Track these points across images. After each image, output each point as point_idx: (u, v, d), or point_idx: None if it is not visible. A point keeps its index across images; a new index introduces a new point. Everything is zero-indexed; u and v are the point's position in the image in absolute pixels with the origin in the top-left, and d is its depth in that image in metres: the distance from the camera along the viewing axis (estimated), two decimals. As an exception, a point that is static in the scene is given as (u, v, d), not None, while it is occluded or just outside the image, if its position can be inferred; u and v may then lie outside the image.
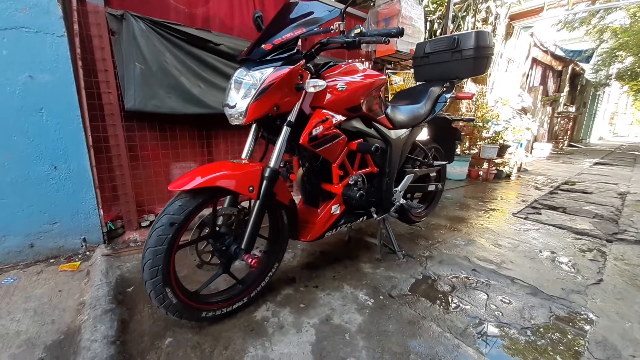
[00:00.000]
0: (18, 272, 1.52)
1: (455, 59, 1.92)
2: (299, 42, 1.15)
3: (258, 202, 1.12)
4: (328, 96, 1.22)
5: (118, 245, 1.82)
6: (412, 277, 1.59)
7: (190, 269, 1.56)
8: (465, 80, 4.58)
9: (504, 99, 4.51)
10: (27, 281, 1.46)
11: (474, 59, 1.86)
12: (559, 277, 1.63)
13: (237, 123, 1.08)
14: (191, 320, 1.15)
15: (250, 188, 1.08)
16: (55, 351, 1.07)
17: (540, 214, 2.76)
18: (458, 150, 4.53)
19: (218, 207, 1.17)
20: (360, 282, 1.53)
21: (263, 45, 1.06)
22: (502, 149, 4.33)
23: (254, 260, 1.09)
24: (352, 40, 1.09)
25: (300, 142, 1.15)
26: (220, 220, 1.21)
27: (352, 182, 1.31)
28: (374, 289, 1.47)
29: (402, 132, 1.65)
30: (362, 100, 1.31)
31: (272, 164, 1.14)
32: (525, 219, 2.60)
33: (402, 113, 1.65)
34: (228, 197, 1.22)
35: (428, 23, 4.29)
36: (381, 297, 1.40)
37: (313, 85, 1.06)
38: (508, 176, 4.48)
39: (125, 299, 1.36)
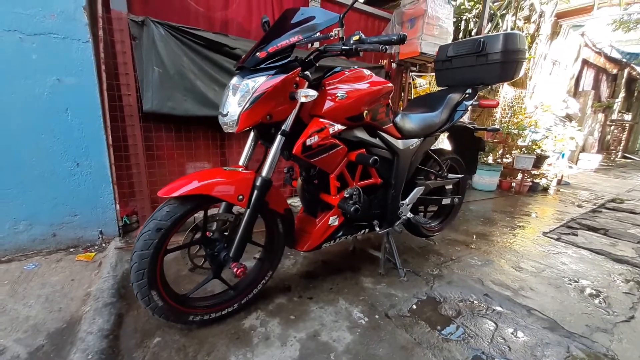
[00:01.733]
0: (40, 259, 1.65)
1: (480, 64, 1.77)
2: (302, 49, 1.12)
3: (248, 211, 1.11)
4: (327, 104, 1.18)
5: (132, 239, 1.92)
6: (415, 297, 1.49)
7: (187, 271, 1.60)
8: (501, 84, 4.27)
9: (546, 105, 4.13)
10: (47, 268, 1.59)
11: (502, 64, 1.71)
12: (585, 311, 1.44)
13: (230, 131, 1.07)
14: (178, 323, 1.17)
15: (240, 197, 1.07)
16: (56, 339, 1.14)
17: (576, 235, 2.48)
18: (490, 159, 4.24)
19: (213, 213, 1.18)
20: (357, 297, 1.47)
21: (258, 53, 1.04)
22: (540, 160, 3.98)
23: (239, 270, 1.08)
24: (349, 48, 1.04)
25: (293, 152, 1.12)
26: (214, 226, 1.22)
27: (348, 195, 1.25)
28: (370, 307, 1.40)
29: (413, 142, 1.55)
30: (364, 109, 1.25)
31: (264, 174, 1.12)
32: (557, 239, 2.35)
33: (412, 122, 1.55)
34: (223, 203, 1.23)
35: (463, 22, 4.05)
36: (376, 317, 1.33)
37: (304, 95, 1.02)
38: (545, 189, 4.11)
39: (127, 293, 1.41)
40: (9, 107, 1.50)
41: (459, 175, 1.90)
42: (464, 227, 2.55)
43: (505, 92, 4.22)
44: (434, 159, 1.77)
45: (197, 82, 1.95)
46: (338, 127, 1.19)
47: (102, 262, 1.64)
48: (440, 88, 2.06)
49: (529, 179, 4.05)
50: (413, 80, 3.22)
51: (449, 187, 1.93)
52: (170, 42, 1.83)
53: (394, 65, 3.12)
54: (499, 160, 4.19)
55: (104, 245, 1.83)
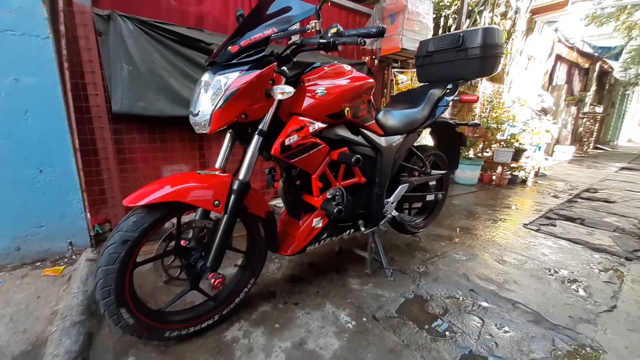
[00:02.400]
0: (3, 275, 1.52)
1: (460, 59, 1.77)
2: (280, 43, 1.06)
3: (225, 217, 1.05)
4: (306, 101, 1.13)
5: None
6: (402, 297, 1.47)
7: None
8: (480, 79, 4.34)
9: (522, 99, 4.24)
10: (11, 285, 1.46)
11: (481, 59, 1.71)
12: (568, 302, 1.47)
13: (203, 132, 1.00)
14: (153, 340, 1.09)
15: (216, 202, 1.01)
16: (19, 364, 1.05)
17: (554, 225, 2.55)
18: (471, 154, 4.31)
19: (190, 220, 1.11)
20: (344, 299, 1.43)
21: (230, 47, 0.97)
22: (518, 153, 4.08)
23: (217, 281, 1.02)
24: (327, 41, 0.99)
25: (272, 153, 1.06)
26: (190, 233, 1.14)
27: (330, 196, 1.21)
28: (357, 309, 1.37)
29: (396, 139, 1.53)
30: (345, 106, 1.20)
31: (241, 176, 1.06)
32: (536, 231, 2.41)
33: (395, 118, 1.52)
34: (200, 209, 1.16)
35: (442, 19, 4.09)
36: (364, 319, 1.30)
37: (280, 91, 0.96)
38: (524, 181, 4.22)
39: (97, 310, 1.31)
40: (-42, 110, 1.36)
41: (442, 171, 1.90)
42: (448, 221, 2.57)
43: (484, 87, 4.31)
44: (417, 155, 1.75)
45: (171, 80, 1.85)
46: (318, 125, 1.14)
47: (72, 276, 1.53)
48: (421, 84, 2.05)
49: (508, 172, 4.16)
50: (395, 76, 3.22)
51: (433, 183, 1.93)
52: (140, 38, 1.72)
53: (376, 61, 3.11)
54: (480, 155, 4.27)
55: (74, 257, 1.71)
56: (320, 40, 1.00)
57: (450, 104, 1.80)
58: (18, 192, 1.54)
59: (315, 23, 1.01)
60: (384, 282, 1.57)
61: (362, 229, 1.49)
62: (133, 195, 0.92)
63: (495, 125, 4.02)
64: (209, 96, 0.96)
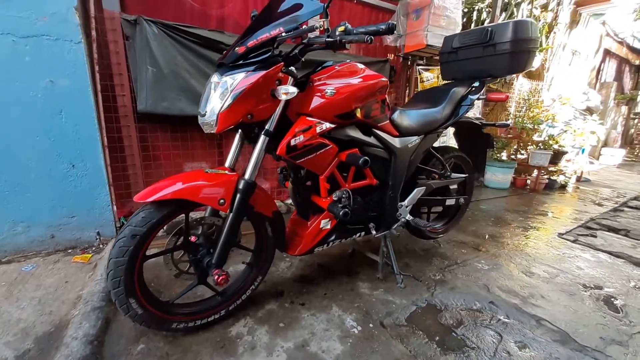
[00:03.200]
0: (38, 260, 1.67)
1: (488, 55, 1.66)
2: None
3: (230, 215, 1.06)
4: (315, 101, 1.11)
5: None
6: (414, 305, 1.41)
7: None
8: (515, 76, 4.06)
9: (564, 97, 3.89)
10: (43, 269, 1.60)
11: (511, 54, 1.58)
12: (600, 321, 1.32)
13: (210, 131, 1.02)
14: (161, 330, 1.14)
15: (221, 201, 1.02)
16: (43, 343, 1.13)
17: (594, 236, 2.32)
18: (505, 155, 4.04)
19: (200, 216, 1.14)
20: (352, 303, 1.40)
21: (237, 48, 0.98)
22: (557, 156, 3.76)
23: (221, 278, 1.04)
24: (333, 40, 0.96)
25: (277, 153, 1.06)
26: (200, 230, 1.17)
27: (336, 198, 1.18)
28: (365, 314, 1.33)
29: (412, 140, 1.46)
30: (355, 106, 1.17)
31: (247, 176, 1.06)
32: (573, 241, 2.20)
33: (411, 118, 1.46)
34: (209, 206, 1.18)
35: (475, 13, 3.87)
36: (371, 325, 1.26)
37: (284, 92, 0.95)
38: (563, 187, 3.89)
39: (117, 297, 1.40)
40: (4, 109, 1.51)
41: (463, 175, 1.79)
42: (472, 227, 2.42)
43: (521, 84, 4.01)
44: (437, 157, 1.66)
45: (192, 81, 1.91)
46: (326, 125, 1.12)
47: (97, 264, 1.64)
48: (445, 82, 1.95)
49: (545, 176, 3.85)
50: (420, 74, 3.09)
51: (454, 187, 1.82)
52: (164, 41, 1.80)
53: (400, 58, 3.01)
54: (513, 157, 3.99)
55: (101, 246, 1.83)
56: (327, 39, 0.97)
57: (481, 103, 1.69)
58: (53, 184, 1.67)
59: (323, 22, 0.98)
60: (395, 288, 1.52)
61: (373, 232, 1.44)
62: (143, 192, 0.96)
63: (531, 126, 3.74)
64: (216, 96, 0.97)
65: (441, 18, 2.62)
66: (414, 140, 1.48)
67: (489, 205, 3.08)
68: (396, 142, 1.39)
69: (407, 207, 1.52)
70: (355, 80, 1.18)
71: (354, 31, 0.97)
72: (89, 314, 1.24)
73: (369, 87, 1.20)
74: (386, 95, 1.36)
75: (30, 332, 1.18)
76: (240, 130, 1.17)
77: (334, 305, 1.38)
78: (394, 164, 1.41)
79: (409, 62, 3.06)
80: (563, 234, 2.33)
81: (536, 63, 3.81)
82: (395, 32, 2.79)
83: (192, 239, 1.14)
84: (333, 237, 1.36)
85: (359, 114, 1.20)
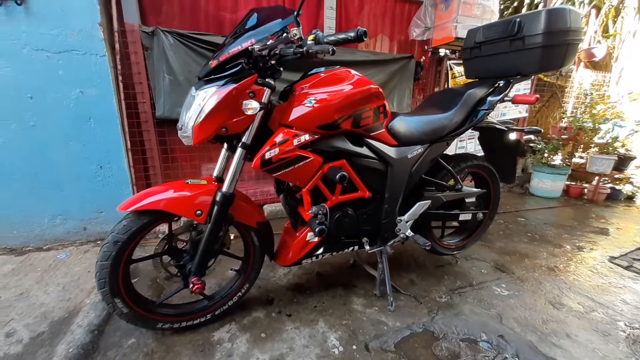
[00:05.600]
0: (72, 249, 1.90)
1: (516, 50, 1.44)
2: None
3: (209, 226, 1.08)
4: (294, 112, 1.06)
5: (149, 235, 2.08)
6: (408, 329, 1.30)
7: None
8: (575, 66, 3.50)
9: (635, 92, 3.25)
10: (75, 258, 1.81)
11: (543, 49, 1.36)
12: (640, 378, 1.09)
13: (189, 144, 1.04)
14: (148, 329, 1.21)
15: (198, 212, 1.04)
16: (56, 328, 1.28)
17: (659, 264, 1.92)
18: (558, 159, 3.55)
19: (191, 223, 1.18)
20: (340, 320, 1.34)
21: (210, 62, 0.98)
22: (623, 161, 3.19)
23: (195, 287, 1.06)
24: (302, 50, 0.90)
25: (252, 166, 1.04)
26: (188, 236, 1.22)
27: (312, 214, 1.12)
28: (351, 334, 1.26)
29: (412, 150, 1.34)
30: (337, 117, 1.09)
31: (224, 188, 1.07)
32: (626, 268, 1.85)
33: (412, 126, 1.33)
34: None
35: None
36: (354, 347, 1.20)
37: (249, 107, 0.92)
38: (630, 198, 3.29)
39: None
40: (43, 118, 1.72)
41: (475, 190, 1.59)
42: (501, 243, 2.17)
43: (581, 76, 3.45)
44: (446, 168, 1.50)
45: (206, 86, 1.99)
46: (306, 137, 1.07)
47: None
48: (470, 80, 1.75)
49: (608, 185, 3.29)
50: (451, 69, 2.83)
51: (471, 200, 1.64)
52: (179, 50, 1.89)
53: (429, 53, 2.78)
54: (568, 161, 3.47)
55: (125, 240, 2.02)
56: (295, 50, 0.92)
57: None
58: (84, 183, 1.88)
59: (295, 31, 0.93)
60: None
61: (367, 247, 1.36)
62: (126, 202, 1.02)
63: (591, 125, 3.21)
64: (191, 111, 0.98)
65: (474, 7, 2.35)
66: (416, 149, 1.35)
67: (529, 218, 2.73)
68: (392, 152, 1.28)
69: (407, 222, 1.40)
70: (341, 89, 1.10)
71: (325, 39, 0.90)
72: (96, 304, 1.37)
73: (355, 95, 1.11)
74: (385, 102, 1.26)
75: (49, 316, 1.35)
76: (225, 142, 1.17)
77: (321, 320, 1.34)
78: (391, 175, 1.30)
79: (438, 57, 2.81)
80: (616, 258, 1.97)
81: (601, 52, 3.23)
82: (423, 25, 2.59)
83: (184, 244, 1.19)
84: (321, 251, 1.31)
85: (345, 124, 1.13)
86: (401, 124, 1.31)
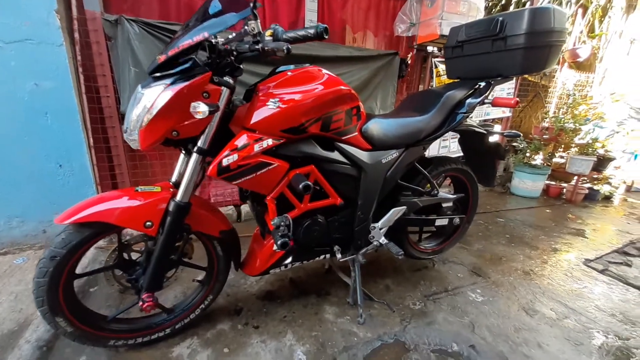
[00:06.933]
0: (30, 253, 1.77)
1: (498, 50, 1.39)
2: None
3: (161, 238, 0.99)
4: (257, 115, 0.98)
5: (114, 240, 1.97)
6: (379, 340, 1.26)
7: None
8: (559, 66, 3.51)
9: (619, 93, 3.28)
10: (32, 263, 1.69)
11: (525, 50, 1.31)
12: (608, 392, 1.07)
13: (136, 148, 0.94)
14: (99, 347, 1.12)
15: (148, 223, 0.96)
16: (3, 342, 1.18)
17: (629, 265, 1.95)
18: (539, 159, 3.57)
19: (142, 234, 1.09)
20: (310, 331, 1.29)
21: (158, 57, 0.88)
22: (602, 162, 3.24)
23: (146, 304, 0.98)
24: (257, 48, 0.82)
25: (208, 174, 0.96)
26: (142, 247, 1.13)
27: (275, 225, 1.05)
28: (319, 346, 1.21)
29: (387, 154, 1.27)
30: (304, 120, 1.02)
31: (178, 197, 0.98)
32: (601, 271, 1.86)
33: (388, 129, 1.27)
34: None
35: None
36: (321, 361, 1.15)
37: (197, 110, 0.83)
38: (607, 198, 3.35)
39: (82, 299, 1.43)
40: (-6, 112, 1.58)
41: (450, 196, 1.55)
42: (479, 245, 2.16)
43: (565, 76, 3.46)
44: (422, 173, 1.45)
45: (175, 81, 1.86)
46: (269, 142, 0.99)
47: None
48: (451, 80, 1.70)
49: (587, 185, 3.33)
50: (436, 67, 2.77)
51: (448, 204, 1.60)
52: (146, 40, 1.76)
53: (414, 50, 2.72)
54: (549, 162, 3.50)
55: (89, 243, 1.90)
56: (250, 47, 0.83)
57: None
58: (43, 183, 1.75)
59: (253, 25, 0.84)
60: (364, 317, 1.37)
61: (339, 255, 1.30)
62: (65, 213, 0.92)
63: (573, 126, 3.22)
64: (137, 112, 0.89)
65: (460, 3, 2.29)
66: (391, 154, 1.29)
67: (509, 218, 2.74)
68: (365, 156, 1.21)
69: (381, 229, 1.35)
70: (308, 89, 1.02)
71: (283, 36, 0.81)
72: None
73: (323, 97, 1.03)
74: (359, 103, 1.18)
75: (-3, 329, 1.25)
76: (180, 147, 1.08)
77: (289, 332, 1.28)
78: (364, 181, 1.24)
79: (424, 54, 2.74)
80: (591, 261, 1.98)
81: (586, 52, 3.24)
82: (408, 21, 2.51)
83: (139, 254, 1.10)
84: (289, 260, 1.24)
85: (313, 127, 1.05)
86: (375, 127, 1.24)
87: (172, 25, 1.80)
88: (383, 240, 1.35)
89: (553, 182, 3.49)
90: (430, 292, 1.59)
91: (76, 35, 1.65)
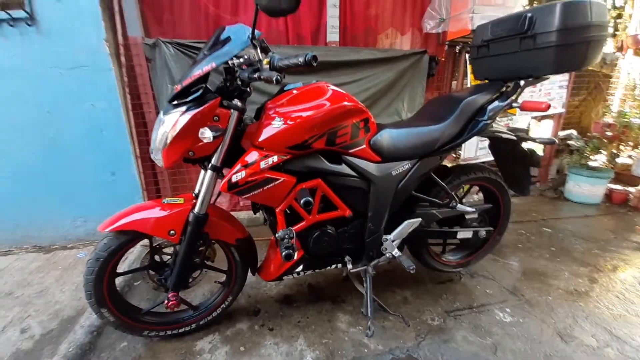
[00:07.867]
0: (91, 249, 2.06)
1: (526, 49, 1.28)
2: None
3: (183, 245, 1.11)
4: (264, 133, 1.04)
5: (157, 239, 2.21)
6: (390, 353, 1.25)
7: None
8: (622, 54, 3.05)
9: None
10: (92, 258, 1.98)
11: (557, 48, 1.19)
12: None
13: (161, 166, 1.07)
14: (135, 336, 1.29)
15: (172, 232, 1.08)
16: (64, 326, 1.42)
17: None
18: (601, 160, 3.15)
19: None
20: (321, 338, 1.33)
21: (175, 86, 0.98)
22: (682, 164, 2.74)
23: (171, 303, 1.11)
24: (254, 77, 0.87)
25: (220, 189, 1.04)
26: (172, 250, 1.27)
27: (279, 238, 1.10)
28: (329, 354, 1.25)
29: (398, 166, 1.25)
30: (308, 136, 1.05)
31: (196, 210, 1.09)
32: (665, 296, 1.60)
33: (399, 140, 1.24)
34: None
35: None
36: (328, 369, 1.18)
37: (205, 136, 0.91)
38: (689, 206, 2.82)
39: (128, 292, 1.64)
40: (62, 131, 1.88)
41: (469, 208, 1.45)
42: (516, 258, 1.99)
43: (630, 65, 2.99)
44: (440, 185, 1.39)
45: (207, 95, 2.03)
46: (275, 158, 1.04)
47: (128, 257, 1.95)
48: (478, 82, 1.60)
49: (661, 191, 2.85)
50: (469, 64, 2.60)
51: (472, 216, 1.51)
52: (180, 59, 1.94)
53: (446, 47, 2.58)
54: (611, 163, 3.06)
55: (137, 241, 2.17)
56: (250, 75, 0.89)
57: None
58: (101, 189, 2.04)
59: (253, 54, 0.90)
60: (377, 329, 1.37)
61: (349, 266, 1.32)
62: (105, 222, 1.08)
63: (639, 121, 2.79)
64: (159, 136, 1.00)
65: (495, -5, 2.11)
66: (403, 165, 1.26)
67: (558, 228, 2.46)
68: (373, 169, 1.21)
69: (393, 241, 1.33)
70: (311, 107, 1.06)
71: (278, 64, 0.86)
72: (100, 306, 1.49)
73: (327, 113, 1.06)
74: (368, 115, 1.19)
75: (60, 314, 1.49)
76: (198, 164, 1.18)
77: (302, 337, 1.33)
78: (373, 193, 1.24)
79: (456, 51, 2.59)
80: (654, 282, 1.72)
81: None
82: (437, 16, 2.39)
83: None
84: (301, 268, 1.30)
85: (317, 143, 1.08)
86: (385, 138, 1.23)
87: (202, 43, 1.95)
88: (396, 252, 1.33)
89: (618, 187, 3.05)
90: (452, 307, 1.52)
91: (122, 59, 1.88)
